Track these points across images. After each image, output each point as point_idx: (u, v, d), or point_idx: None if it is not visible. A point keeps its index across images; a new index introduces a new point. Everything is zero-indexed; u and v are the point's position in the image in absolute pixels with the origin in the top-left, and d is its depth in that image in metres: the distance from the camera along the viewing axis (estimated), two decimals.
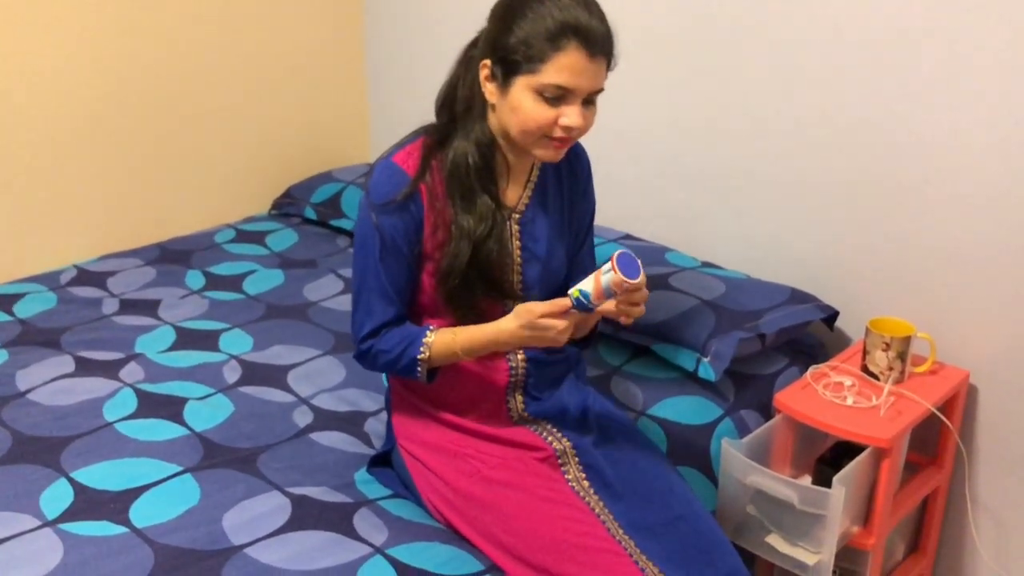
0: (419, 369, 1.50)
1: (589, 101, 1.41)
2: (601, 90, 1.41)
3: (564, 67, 1.34)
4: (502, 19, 1.40)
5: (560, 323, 1.39)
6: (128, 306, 2.22)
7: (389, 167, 1.47)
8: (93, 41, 2.41)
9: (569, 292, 1.39)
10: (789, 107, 2.06)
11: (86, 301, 2.24)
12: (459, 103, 1.48)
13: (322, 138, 3.00)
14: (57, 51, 2.35)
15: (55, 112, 2.39)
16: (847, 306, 2.06)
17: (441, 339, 1.48)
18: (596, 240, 1.75)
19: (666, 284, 2.03)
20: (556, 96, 1.37)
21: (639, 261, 1.38)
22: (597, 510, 1.47)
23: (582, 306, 1.38)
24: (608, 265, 1.36)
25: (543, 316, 1.38)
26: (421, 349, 1.48)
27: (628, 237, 2.32)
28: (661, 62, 2.26)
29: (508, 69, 1.38)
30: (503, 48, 1.38)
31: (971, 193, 1.84)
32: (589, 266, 1.69)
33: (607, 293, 1.37)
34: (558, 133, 1.40)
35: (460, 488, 1.51)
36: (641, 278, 1.36)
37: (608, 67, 1.41)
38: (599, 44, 1.36)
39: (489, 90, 1.43)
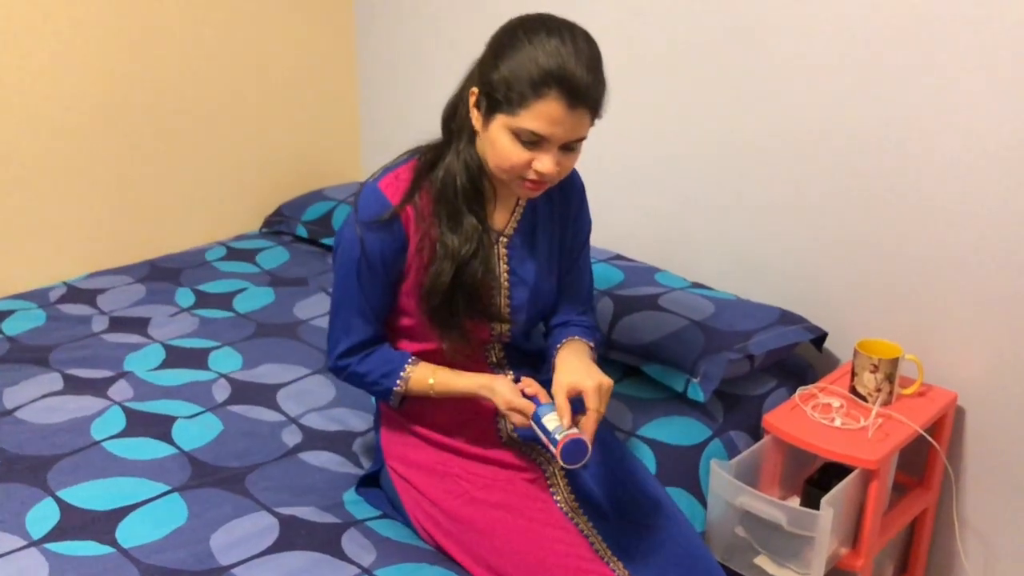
0: (392, 400, 1.54)
1: (570, 147, 1.40)
2: (583, 138, 1.40)
3: (542, 115, 1.34)
4: (493, 51, 1.40)
5: (517, 420, 1.43)
6: (117, 324, 2.21)
7: (374, 192, 1.48)
8: (82, 59, 2.41)
9: (540, 415, 1.40)
10: (778, 129, 2.08)
11: (75, 319, 2.23)
12: (456, 121, 1.49)
13: (313, 156, 3.00)
14: (46, 69, 2.35)
15: (45, 129, 2.39)
16: (836, 327, 2.07)
17: (419, 375, 1.51)
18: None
19: (656, 305, 2.04)
20: (532, 141, 1.37)
21: (589, 449, 1.36)
22: (586, 531, 1.47)
23: (535, 419, 1.41)
24: (555, 445, 1.36)
25: (510, 410, 1.44)
26: (399, 382, 1.52)
27: (619, 258, 2.33)
28: (650, 84, 2.28)
29: (490, 104, 1.39)
30: (488, 83, 1.38)
31: (960, 216, 1.85)
32: (583, 283, 1.68)
33: (544, 433, 1.40)
34: (531, 175, 1.40)
35: (448, 509, 1.51)
36: (582, 463, 1.37)
37: (594, 116, 1.39)
38: (581, 95, 1.33)
39: (475, 117, 1.44)
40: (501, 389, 1.44)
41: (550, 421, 1.38)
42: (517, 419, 1.43)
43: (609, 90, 1.40)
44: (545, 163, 1.38)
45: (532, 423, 1.41)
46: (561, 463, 1.35)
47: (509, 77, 1.34)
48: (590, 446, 1.36)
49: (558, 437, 1.36)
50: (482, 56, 1.43)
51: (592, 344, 1.60)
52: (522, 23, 1.39)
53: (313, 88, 2.94)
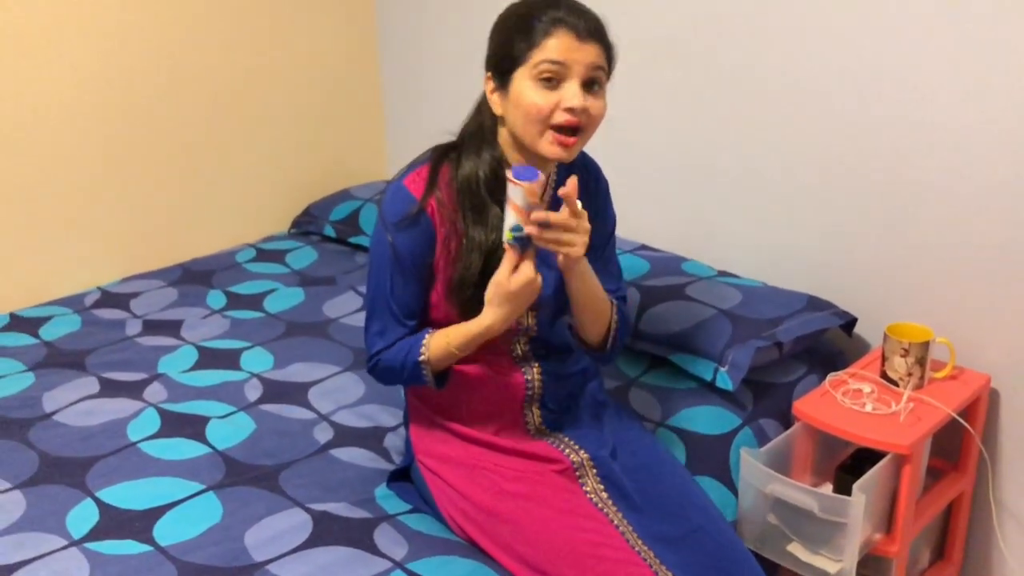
0: (424, 372, 1.51)
1: (592, 87, 1.42)
2: (602, 70, 1.43)
3: (555, 47, 1.39)
4: (497, 34, 1.46)
5: (527, 275, 1.39)
6: (151, 327, 2.25)
7: (399, 189, 1.50)
8: (113, 65, 2.45)
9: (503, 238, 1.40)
10: (803, 113, 2.06)
11: (110, 323, 2.27)
12: (471, 125, 1.52)
13: (340, 157, 3.03)
14: (77, 76, 2.39)
15: (76, 137, 2.43)
16: (865, 312, 2.05)
17: (437, 340, 1.50)
18: None
19: (683, 294, 2.03)
20: (553, 77, 1.39)
21: (538, 171, 1.37)
22: (616, 521, 1.48)
23: (518, 239, 1.38)
24: (509, 186, 1.36)
25: (513, 282, 1.40)
26: (421, 350, 1.50)
27: (644, 247, 2.32)
28: (673, 72, 2.27)
29: (506, 69, 1.43)
30: (499, 55, 1.44)
31: (988, 195, 1.83)
32: (612, 268, 1.69)
33: (525, 207, 1.36)
34: (561, 118, 1.40)
35: (479, 502, 1.52)
36: (540, 178, 1.36)
37: (608, 55, 1.44)
38: (587, 30, 1.40)
39: (494, 101, 1.47)
40: (494, 289, 1.42)
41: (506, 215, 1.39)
42: (532, 278, 1.40)
43: (616, 43, 1.46)
44: (572, 96, 1.40)
45: (517, 235, 1.38)
46: (517, 181, 1.35)
47: (516, 40, 1.41)
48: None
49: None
50: (488, 50, 1.48)
51: (614, 303, 1.62)
52: (513, 6, 1.47)
53: (337, 89, 2.96)
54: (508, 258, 1.41)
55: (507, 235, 1.39)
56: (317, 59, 2.88)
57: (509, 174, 1.36)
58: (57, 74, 2.36)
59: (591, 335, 1.59)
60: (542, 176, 1.38)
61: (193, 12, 2.57)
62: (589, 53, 1.40)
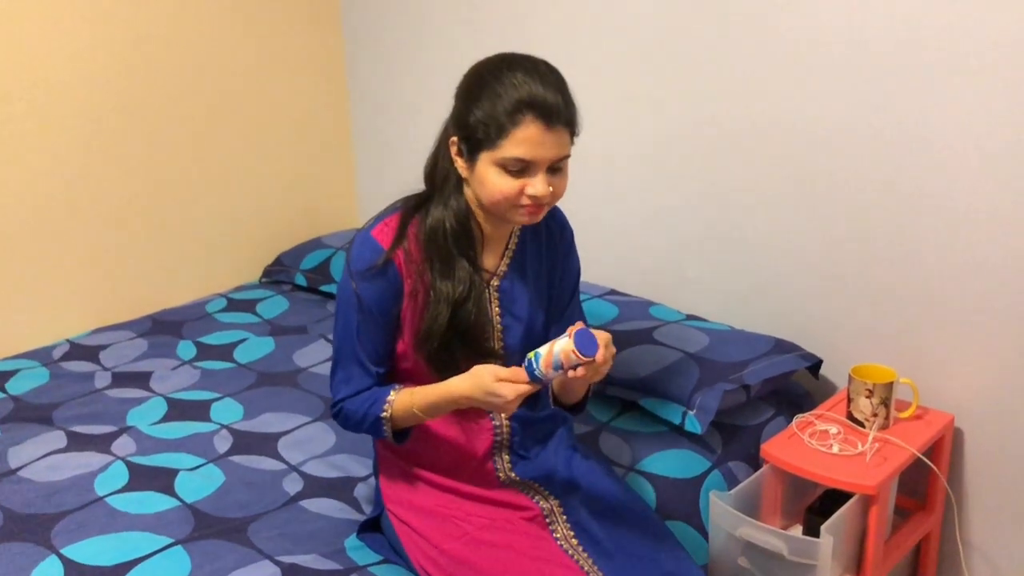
0: (384, 428, 1.51)
1: (556, 168, 1.44)
2: (566, 156, 1.44)
3: (522, 140, 1.38)
4: (464, 99, 1.44)
5: (510, 393, 1.37)
6: (120, 379, 2.23)
7: (367, 240, 1.51)
8: (81, 116, 2.46)
9: (528, 356, 1.39)
10: (769, 160, 2.11)
11: (78, 375, 2.25)
12: (438, 174, 1.53)
13: (311, 205, 3.04)
14: (44, 127, 2.40)
15: (44, 188, 2.43)
16: (831, 354, 2.08)
17: (402, 399, 1.50)
18: (582, 296, 1.77)
19: (650, 338, 2.05)
20: (519, 168, 1.40)
21: (598, 340, 1.35)
22: (586, 568, 1.48)
23: (531, 374, 1.37)
24: (564, 338, 1.35)
25: (499, 381, 1.38)
26: (384, 407, 1.50)
27: (613, 292, 2.35)
28: (643, 119, 2.31)
29: (472, 146, 1.43)
30: (466, 126, 1.42)
31: (948, 240, 1.87)
32: (578, 320, 1.71)
33: (556, 365, 1.35)
34: (526, 202, 1.43)
35: (449, 551, 1.52)
36: (598, 355, 1.34)
37: (572, 134, 1.44)
38: (555, 115, 1.39)
39: (460, 164, 1.47)
40: (490, 385, 1.38)
41: (543, 348, 1.36)
42: (523, 389, 1.38)
43: (580, 109, 1.45)
44: (537, 187, 1.41)
45: (533, 372, 1.36)
46: (581, 356, 1.32)
47: (484, 116, 1.39)
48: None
49: (563, 339, 1.33)
50: (454, 107, 1.47)
51: None
52: (483, 66, 1.45)
53: (308, 138, 2.99)
54: (518, 371, 1.39)
55: (530, 355, 1.38)
56: (287, 109, 2.91)
57: (572, 332, 1.34)
58: (23, 127, 2.37)
59: (566, 402, 1.60)
60: (599, 355, 1.35)
61: (163, 63, 2.59)
62: (555, 145, 1.40)
